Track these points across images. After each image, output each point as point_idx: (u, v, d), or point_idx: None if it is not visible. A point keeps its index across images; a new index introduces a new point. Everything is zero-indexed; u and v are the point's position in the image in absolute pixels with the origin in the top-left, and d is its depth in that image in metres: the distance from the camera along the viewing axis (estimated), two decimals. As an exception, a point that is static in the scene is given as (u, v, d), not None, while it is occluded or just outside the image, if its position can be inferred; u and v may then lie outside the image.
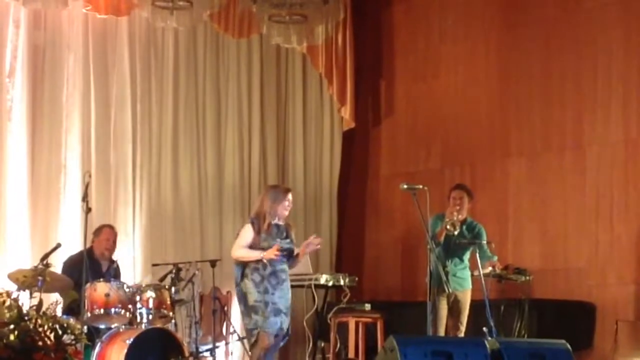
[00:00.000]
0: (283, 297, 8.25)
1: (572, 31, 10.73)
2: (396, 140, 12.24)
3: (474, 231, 9.46)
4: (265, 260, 8.19)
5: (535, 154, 10.94)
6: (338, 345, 10.27)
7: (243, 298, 8.24)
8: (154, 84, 11.25)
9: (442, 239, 9.22)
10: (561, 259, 10.59)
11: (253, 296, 8.18)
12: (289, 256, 8.41)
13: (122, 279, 9.63)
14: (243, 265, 8.28)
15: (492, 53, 11.39)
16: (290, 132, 12.18)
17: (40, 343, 6.74)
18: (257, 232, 8.24)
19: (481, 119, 11.44)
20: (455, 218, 9.21)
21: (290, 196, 8.46)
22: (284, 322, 8.23)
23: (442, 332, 9.22)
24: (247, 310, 8.21)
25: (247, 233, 8.29)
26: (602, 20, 10.50)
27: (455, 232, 9.18)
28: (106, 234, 9.74)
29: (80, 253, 9.28)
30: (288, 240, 8.36)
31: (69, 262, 9.50)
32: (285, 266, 8.34)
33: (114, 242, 9.79)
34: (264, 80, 11.97)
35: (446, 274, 9.12)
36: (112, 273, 9.62)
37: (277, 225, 8.33)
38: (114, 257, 9.87)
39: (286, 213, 8.38)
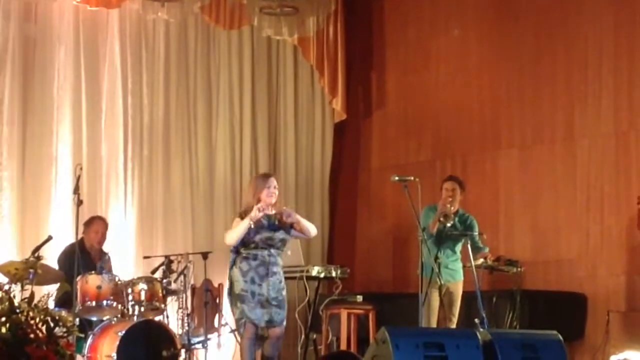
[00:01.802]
0: (273, 289, 8.14)
1: (562, 24, 10.74)
2: (387, 132, 12.24)
3: (465, 223, 9.47)
4: (252, 225, 8.04)
5: (526, 146, 10.96)
6: (330, 337, 10.27)
7: (230, 286, 8.18)
8: (144, 76, 11.23)
9: (434, 230, 9.23)
10: (552, 250, 10.61)
11: (240, 285, 8.09)
12: (284, 246, 8.34)
13: (114, 271, 9.60)
14: (236, 253, 8.22)
15: (483, 45, 11.40)
16: (281, 124, 12.17)
17: (32, 336, 6.72)
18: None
19: (472, 110, 11.45)
20: (448, 209, 9.23)
21: (271, 181, 8.26)
22: (276, 314, 8.12)
23: (434, 324, 9.23)
24: (234, 299, 8.12)
25: (236, 221, 8.23)
26: (593, 13, 10.51)
27: (449, 224, 9.19)
28: (96, 226, 9.71)
29: (72, 245, 9.27)
30: (281, 232, 8.26)
31: (63, 256, 9.48)
32: (278, 259, 8.25)
33: (103, 234, 9.76)
34: (255, 72, 11.95)
35: (438, 265, 9.13)
36: (104, 265, 9.58)
37: (268, 216, 8.25)
38: (106, 249, 9.86)
39: (273, 199, 8.20)
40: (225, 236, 8.29)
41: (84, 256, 9.31)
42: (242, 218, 8.18)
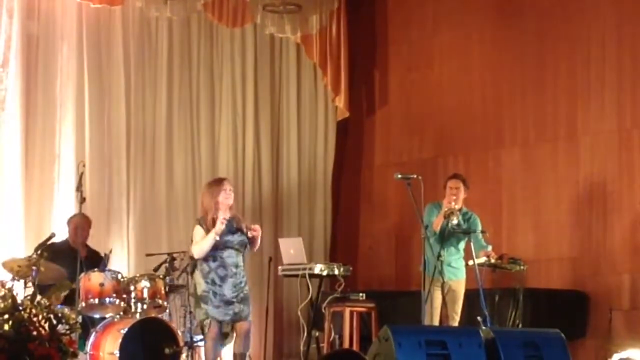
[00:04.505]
0: (233, 289, 8.32)
1: (565, 21, 10.74)
2: (390, 129, 12.24)
3: (468, 221, 9.47)
4: (218, 237, 8.24)
5: (528, 143, 10.95)
6: (332, 334, 10.27)
7: (194, 289, 8.40)
8: (147, 73, 11.23)
9: (438, 228, 9.23)
10: (555, 248, 10.61)
11: (201, 286, 8.32)
12: (244, 247, 8.49)
13: (114, 269, 9.56)
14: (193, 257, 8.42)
15: (486, 43, 11.39)
16: (284, 122, 12.17)
17: (34, 333, 6.73)
18: (206, 230, 8.34)
19: (475, 108, 11.45)
20: (453, 207, 9.21)
21: (226, 184, 8.51)
22: (240, 310, 8.31)
23: (436, 322, 9.23)
24: (197, 300, 8.35)
25: (199, 232, 8.40)
26: (595, 11, 10.51)
27: (455, 221, 9.18)
28: (74, 223, 9.64)
29: (62, 242, 9.23)
30: (239, 234, 8.43)
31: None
32: (237, 259, 8.40)
33: (76, 229, 9.63)
34: (258, 70, 11.95)
35: (440, 263, 9.13)
36: (88, 264, 9.45)
37: (228, 221, 8.37)
38: (106, 248, 9.83)
39: (230, 201, 8.43)
40: (191, 250, 8.42)
41: (69, 254, 9.28)
42: (201, 225, 8.37)
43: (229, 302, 8.28)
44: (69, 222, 9.74)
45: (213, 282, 8.29)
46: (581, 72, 10.57)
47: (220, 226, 8.24)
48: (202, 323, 8.35)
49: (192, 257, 8.46)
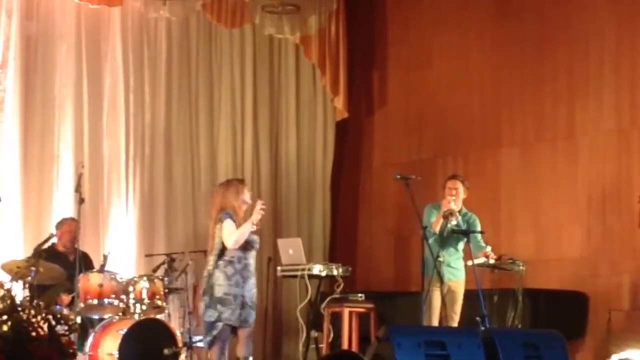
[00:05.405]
0: (250, 290, 8.34)
1: (564, 21, 10.74)
2: (389, 130, 12.24)
3: (468, 221, 9.47)
4: (255, 227, 8.26)
5: (527, 144, 10.95)
6: (331, 335, 10.27)
7: (210, 289, 8.29)
8: (146, 74, 11.22)
9: (437, 229, 9.23)
10: (554, 249, 10.61)
11: (223, 288, 8.24)
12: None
13: (113, 270, 9.56)
14: (217, 256, 8.32)
15: (485, 43, 11.39)
16: (283, 122, 12.17)
17: (33, 334, 6.73)
18: (238, 225, 8.31)
19: (474, 109, 11.45)
20: (453, 208, 9.21)
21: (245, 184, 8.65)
22: (250, 315, 8.32)
23: (435, 322, 9.23)
24: (213, 302, 8.25)
25: (232, 225, 8.32)
26: (594, 11, 10.51)
27: (454, 222, 9.18)
28: (68, 226, 9.64)
29: (48, 248, 9.21)
30: (256, 235, 8.47)
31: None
32: (253, 261, 8.44)
33: (72, 232, 9.60)
34: (257, 70, 11.96)
35: (440, 264, 9.13)
36: (82, 264, 9.44)
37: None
38: (105, 250, 9.84)
39: (250, 201, 8.51)
40: (227, 240, 8.28)
41: (59, 257, 9.26)
42: (232, 220, 8.30)
43: (244, 306, 8.26)
44: (61, 225, 9.70)
45: (237, 284, 8.25)
46: (580, 72, 10.57)
47: (257, 216, 8.24)
48: (212, 325, 8.25)
49: (221, 251, 8.30)
